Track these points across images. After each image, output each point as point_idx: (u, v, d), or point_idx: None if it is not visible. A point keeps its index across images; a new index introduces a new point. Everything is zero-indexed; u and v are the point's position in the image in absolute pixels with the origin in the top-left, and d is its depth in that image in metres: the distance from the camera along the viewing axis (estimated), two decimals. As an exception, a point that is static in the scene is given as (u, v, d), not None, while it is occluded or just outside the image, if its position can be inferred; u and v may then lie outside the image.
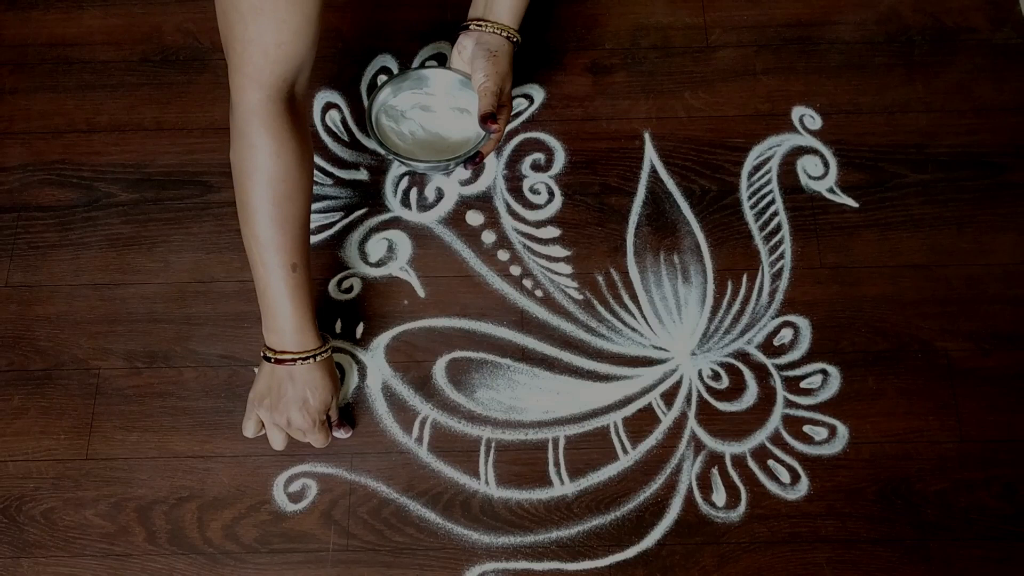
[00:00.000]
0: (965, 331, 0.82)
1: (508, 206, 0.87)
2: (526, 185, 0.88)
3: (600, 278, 0.84)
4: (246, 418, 0.75)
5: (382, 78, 0.93)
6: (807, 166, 0.89)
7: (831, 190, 0.87)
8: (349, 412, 0.79)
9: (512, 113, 0.90)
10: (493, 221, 0.87)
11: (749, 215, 0.87)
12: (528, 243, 0.86)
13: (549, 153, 0.89)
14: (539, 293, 0.84)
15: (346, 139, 0.90)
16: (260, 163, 0.67)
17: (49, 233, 0.86)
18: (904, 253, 0.85)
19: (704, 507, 0.76)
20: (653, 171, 0.89)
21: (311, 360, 0.71)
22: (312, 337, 0.71)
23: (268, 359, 0.71)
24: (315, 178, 0.88)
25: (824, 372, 0.80)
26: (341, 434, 0.77)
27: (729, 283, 0.84)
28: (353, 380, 0.80)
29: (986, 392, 0.80)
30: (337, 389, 0.75)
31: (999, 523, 0.75)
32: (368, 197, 0.88)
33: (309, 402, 0.71)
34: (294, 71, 0.66)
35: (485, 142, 0.79)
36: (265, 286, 0.69)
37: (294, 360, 0.70)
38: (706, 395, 0.80)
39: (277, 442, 0.74)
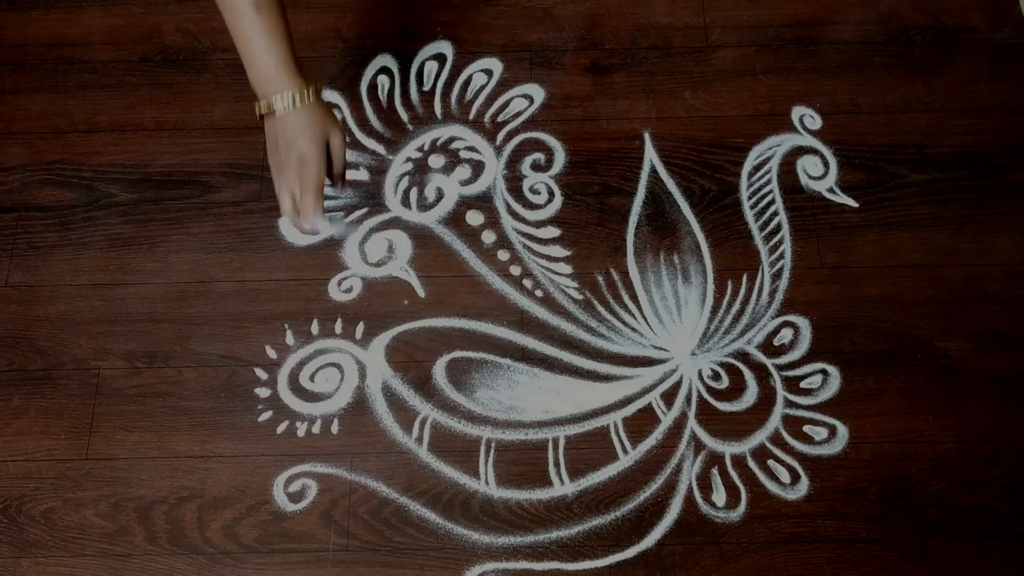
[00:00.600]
0: (965, 331, 0.82)
1: (508, 206, 0.87)
2: (526, 185, 0.88)
3: (600, 278, 0.84)
4: (277, 194, 0.73)
5: (382, 78, 0.93)
6: (807, 166, 0.89)
7: (831, 190, 0.87)
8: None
9: (510, 114, 0.90)
10: (493, 221, 0.87)
11: (749, 215, 0.87)
12: (528, 243, 0.86)
13: (549, 153, 0.89)
14: (539, 293, 0.84)
15: (346, 139, 0.90)
16: None
17: (49, 233, 0.86)
18: (904, 253, 0.85)
19: (704, 507, 0.76)
20: (653, 171, 0.88)
21: (292, 104, 0.69)
22: (291, 76, 0.69)
23: (261, 116, 0.70)
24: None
25: (824, 372, 0.80)
26: (340, 192, 0.76)
27: (729, 283, 0.84)
28: (353, 380, 0.80)
29: (986, 392, 0.80)
30: (337, 128, 0.73)
31: (999, 523, 0.75)
32: (368, 197, 0.88)
33: (300, 147, 0.70)
34: None
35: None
36: (234, 35, 0.68)
37: (273, 109, 0.69)
38: (706, 395, 0.80)
39: (284, 206, 0.72)
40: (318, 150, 0.71)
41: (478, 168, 0.89)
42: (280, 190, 0.72)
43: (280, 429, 0.79)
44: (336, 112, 0.91)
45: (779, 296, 0.83)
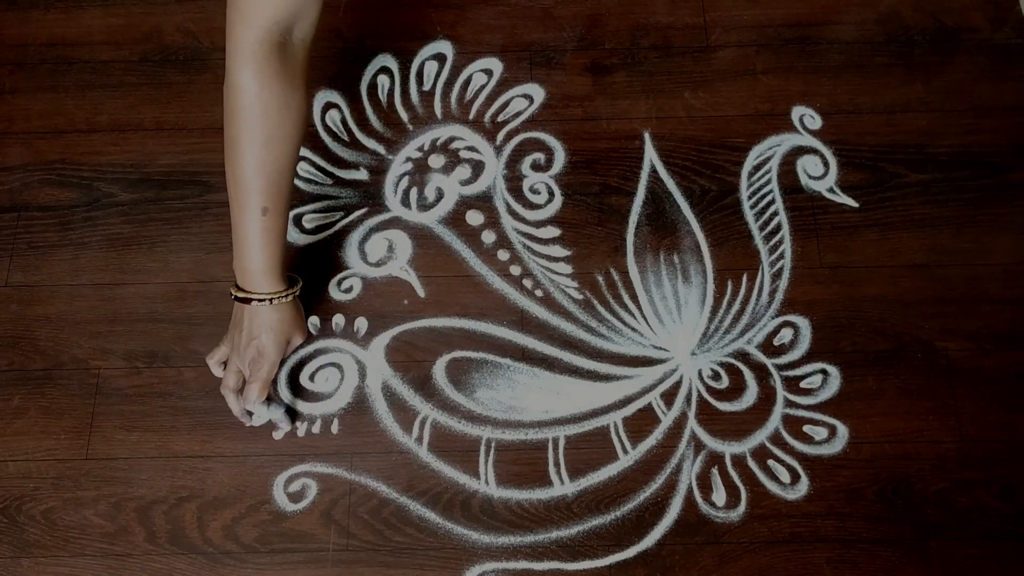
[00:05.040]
0: (965, 331, 0.82)
1: (508, 206, 0.87)
2: (526, 185, 0.88)
3: (600, 278, 0.84)
4: (217, 347, 0.76)
5: (382, 78, 0.93)
6: (807, 166, 0.89)
7: (831, 190, 0.87)
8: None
9: (510, 114, 0.90)
10: (493, 221, 0.87)
11: (749, 215, 0.87)
12: (528, 243, 0.86)
13: (549, 153, 0.89)
14: (539, 293, 0.84)
15: (346, 139, 0.90)
16: (243, 104, 0.66)
17: (49, 233, 0.86)
18: (904, 253, 0.85)
19: (704, 507, 0.76)
20: (653, 171, 0.89)
21: (268, 302, 0.72)
22: (275, 281, 0.72)
23: (234, 296, 0.73)
24: (315, 178, 0.88)
25: (824, 372, 0.80)
26: (276, 416, 0.76)
27: (729, 283, 0.84)
28: (353, 380, 0.80)
29: (986, 392, 0.80)
30: (301, 331, 0.76)
31: (999, 523, 0.75)
32: (368, 197, 0.88)
33: (262, 341, 0.72)
34: (288, 16, 0.65)
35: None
36: (235, 225, 0.71)
37: (250, 300, 0.72)
38: (706, 395, 0.80)
39: (227, 381, 0.74)
40: (277, 350, 0.73)
41: (478, 168, 0.89)
42: (230, 367, 0.74)
43: (280, 429, 0.79)
44: (335, 112, 0.91)
45: (779, 296, 0.83)
